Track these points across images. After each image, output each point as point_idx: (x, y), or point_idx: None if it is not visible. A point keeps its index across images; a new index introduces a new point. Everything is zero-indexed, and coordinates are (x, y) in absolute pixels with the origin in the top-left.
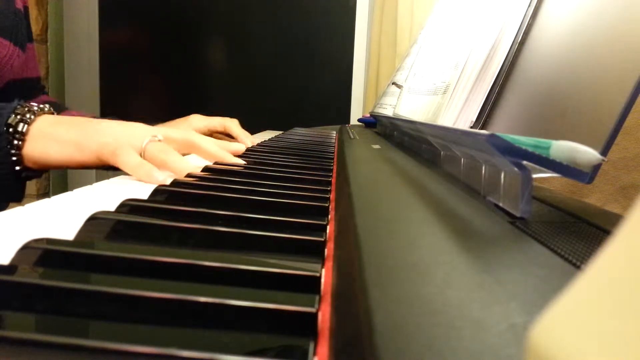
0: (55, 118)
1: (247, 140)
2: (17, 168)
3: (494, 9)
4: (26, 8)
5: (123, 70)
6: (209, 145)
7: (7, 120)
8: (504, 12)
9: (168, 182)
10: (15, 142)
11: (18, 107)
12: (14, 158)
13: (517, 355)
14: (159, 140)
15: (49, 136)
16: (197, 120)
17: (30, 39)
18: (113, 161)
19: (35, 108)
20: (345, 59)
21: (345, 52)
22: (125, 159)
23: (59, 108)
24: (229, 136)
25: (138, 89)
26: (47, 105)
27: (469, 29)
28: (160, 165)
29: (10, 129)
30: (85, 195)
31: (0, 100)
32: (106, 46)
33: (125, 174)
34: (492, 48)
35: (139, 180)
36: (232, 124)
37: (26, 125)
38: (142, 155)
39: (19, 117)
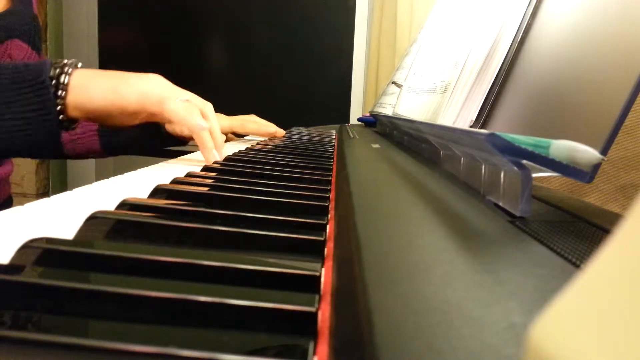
0: (93, 70)
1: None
2: (61, 117)
3: (494, 8)
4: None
5: (123, 69)
6: (217, 125)
7: (50, 73)
8: (503, 12)
9: (205, 126)
10: (59, 92)
11: (55, 61)
12: (59, 107)
13: (517, 355)
14: (187, 100)
15: (90, 85)
16: (222, 120)
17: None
18: (159, 109)
19: (71, 61)
20: (345, 58)
21: (345, 52)
22: (173, 106)
23: None
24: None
25: None
26: (78, 61)
27: (469, 28)
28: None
29: (53, 81)
30: (85, 195)
31: None
32: (105, 46)
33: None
34: (491, 47)
35: (187, 126)
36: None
37: (67, 77)
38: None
39: (58, 69)
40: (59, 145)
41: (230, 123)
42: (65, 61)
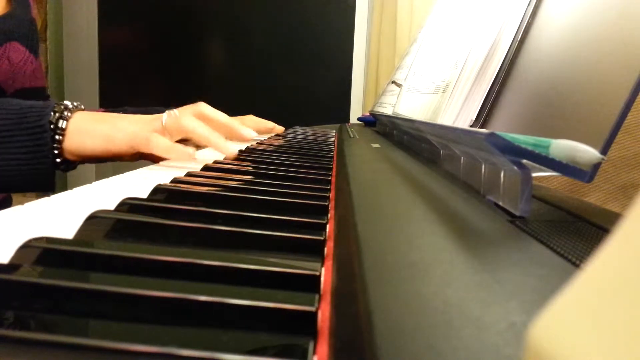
0: (88, 114)
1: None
2: (58, 160)
3: (494, 7)
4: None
5: (122, 69)
6: (204, 130)
7: (50, 118)
8: (503, 11)
9: (193, 154)
10: (57, 137)
11: (56, 105)
12: (56, 151)
13: (517, 355)
14: (170, 115)
15: (84, 131)
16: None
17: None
18: (146, 148)
19: (70, 106)
20: (344, 58)
21: (345, 51)
22: (156, 143)
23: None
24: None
25: (137, 89)
26: (80, 104)
27: (469, 28)
28: (180, 132)
29: (52, 126)
30: (85, 194)
31: None
32: (105, 45)
33: (150, 163)
34: (491, 47)
35: (175, 161)
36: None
37: (65, 122)
38: (163, 132)
39: (57, 114)
40: (54, 183)
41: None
42: (68, 104)
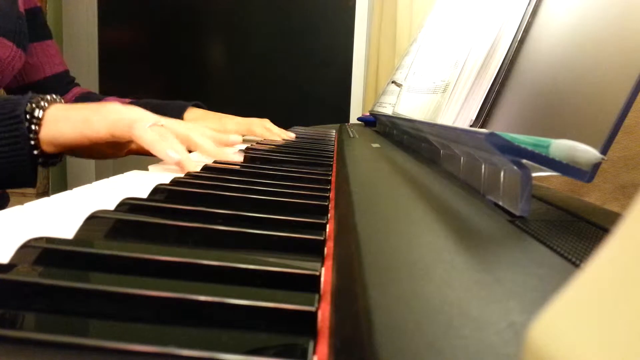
0: (68, 104)
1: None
2: (35, 152)
3: (494, 7)
4: (39, 8)
5: (122, 69)
6: (207, 144)
7: (26, 108)
8: (503, 11)
9: (176, 159)
10: (33, 127)
11: (33, 96)
12: (32, 142)
13: (516, 354)
14: (162, 126)
15: (62, 118)
16: (232, 125)
17: (49, 35)
18: (128, 134)
19: (48, 97)
20: (344, 57)
21: (345, 51)
22: (141, 132)
23: (95, 97)
24: None
25: (137, 88)
26: (58, 97)
27: (469, 28)
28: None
29: (28, 116)
30: (85, 194)
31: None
32: (105, 45)
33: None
34: (491, 46)
35: (158, 155)
36: (256, 128)
37: (41, 111)
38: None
39: (34, 104)
40: (35, 178)
41: (237, 128)
42: (47, 96)
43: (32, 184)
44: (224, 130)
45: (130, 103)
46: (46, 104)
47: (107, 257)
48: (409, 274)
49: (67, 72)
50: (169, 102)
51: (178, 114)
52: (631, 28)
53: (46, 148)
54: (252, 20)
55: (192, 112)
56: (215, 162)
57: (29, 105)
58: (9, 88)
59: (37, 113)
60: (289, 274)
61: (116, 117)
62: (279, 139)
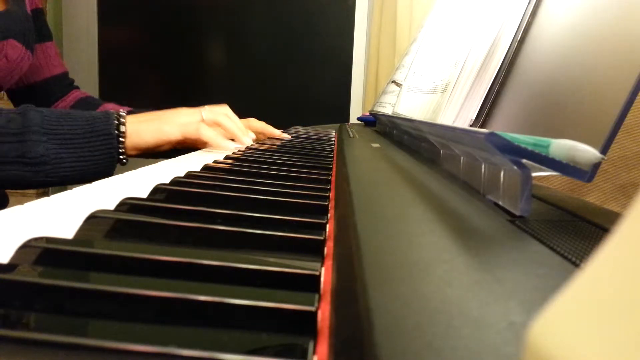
0: (137, 116)
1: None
2: (121, 157)
3: (494, 7)
4: (40, 10)
5: (122, 69)
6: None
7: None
8: (503, 11)
9: (233, 149)
10: (120, 139)
11: (114, 113)
12: (121, 150)
13: (516, 354)
14: (209, 110)
15: (140, 130)
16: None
17: (49, 37)
18: (196, 135)
19: (122, 112)
20: (344, 57)
21: (345, 51)
22: (206, 132)
23: (95, 102)
24: None
25: (137, 89)
26: (124, 111)
27: (469, 27)
28: (214, 124)
29: (116, 131)
30: (85, 194)
31: (32, 99)
32: (105, 45)
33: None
34: (491, 46)
35: (217, 147)
36: (253, 122)
37: (124, 126)
38: (202, 122)
39: (116, 121)
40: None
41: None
42: (120, 112)
43: (110, 175)
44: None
45: (129, 113)
46: (124, 120)
47: (107, 257)
48: (409, 274)
49: (66, 73)
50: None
51: None
52: (631, 28)
53: (130, 152)
54: (252, 20)
55: None
56: (215, 161)
57: (115, 122)
58: (10, 90)
59: (122, 128)
60: (289, 274)
61: (183, 122)
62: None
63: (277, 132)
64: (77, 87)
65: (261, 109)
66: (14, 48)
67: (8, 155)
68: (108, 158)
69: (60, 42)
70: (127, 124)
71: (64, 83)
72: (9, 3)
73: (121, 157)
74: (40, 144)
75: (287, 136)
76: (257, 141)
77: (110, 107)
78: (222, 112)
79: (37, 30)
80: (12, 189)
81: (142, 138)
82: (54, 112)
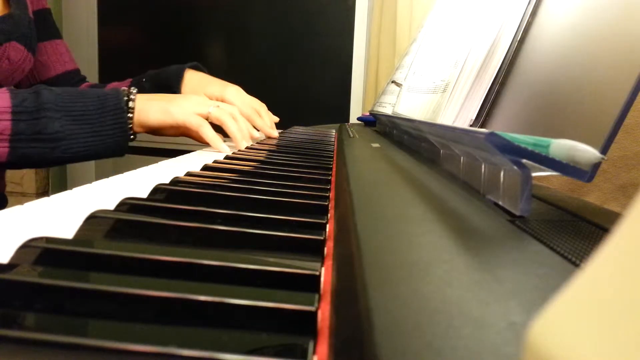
0: (147, 95)
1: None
2: (130, 133)
3: (494, 7)
4: (48, 10)
5: (122, 69)
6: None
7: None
8: (503, 11)
9: (230, 152)
10: (129, 114)
11: (124, 90)
12: (130, 125)
13: (516, 354)
14: (217, 107)
15: (148, 107)
16: (234, 96)
17: (58, 35)
18: (196, 131)
19: (132, 89)
20: (344, 57)
21: (345, 51)
22: (206, 131)
23: (101, 87)
24: None
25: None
26: (134, 88)
27: (469, 27)
28: (221, 123)
29: (125, 106)
30: (85, 194)
31: None
32: (105, 46)
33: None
34: (491, 46)
35: (216, 149)
36: (265, 111)
37: (133, 102)
38: (208, 117)
39: (126, 97)
40: (126, 151)
41: (235, 100)
42: (131, 89)
43: (123, 155)
44: (223, 98)
45: (131, 83)
46: (133, 96)
47: (107, 257)
48: (409, 274)
49: (77, 70)
50: (166, 70)
51: (176, 82)
52: (631, 28)
53: (136, 129)
54: (252, 20)
55: (190, 77)
56: (215, 161)
57: (125, 98)
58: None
59: (131, 104)
60: (289, 274)
61: (191, 111)
62: (265, 128)
63: (267, 129)
64: (87, 81)
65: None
66: (16, 50)
67: (25, 133)
68: (119, 132)
69: None
70: (136, 101)
71: (76, 79)
72: (12, 6)
73: (130, 132)
74: (55, 120)
75: (275, 134)
76: (257, 141)
77: (111, 86)
78: (227, 113)
79: (45, 28)
80: (31, 166)
81: (148, 116)
82: (66, 91)
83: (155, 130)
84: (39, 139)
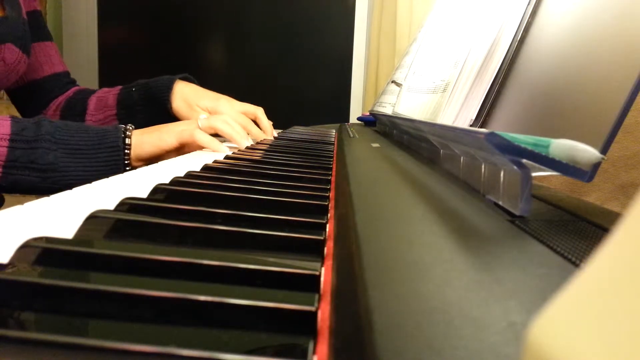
0: (141, 130)
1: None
2: (127, 168)
3: (494, 7)
4: (39, 12)
5: (122, 68)
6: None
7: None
8: (503, 10)
9: (228, 152)
10: (126, 151)
11: (120, 128)
12: (126, 162)
13: (516, 354)
14: (206, 118)
15: (142, 141)
16: (227, 108)
17: (49, 37)
18: (191, 139)
19: (128, 126)
20: (344, 57)
21: (345, 51)
22: (200, 136)
23: (87, 92)
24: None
25: None
26: (131, 126)
27: (469, 27)
28: (211, 130)
29: (121, 144)
30: (85, 194)
31: (31, 96)
32: (105, 45)
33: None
34: (491, 46)
35: (213, 151)
36: (261, 115)
37: (129, 139)
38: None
39: (123, 135)
40: None
41: (229, 112)
42: (127, 127)
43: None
44: (215, 110)
45: (120, 91)
46: (129, 133)
47: (107, 257)
48: (408, 274)
49: (66, 72)
50: (156, 81)
51: (166, 93)
52: (631, 28)
53: (134, 164)
54: (252, 20)
55: (181, 89)
56: (215, 161)
57: (122, 136)
58: (9, 89)
59: (128, 141)
60: (289, 274)
61: (179, 129)
62: (265, 136)
63: (268, 131)
64: (78, 86)
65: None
66: (12, 52)
67: (20, 160)
68: (114, 169)
69: (60, 42)
70: (132, 137)
71: (64, 81)
72: (6, 9)
73: (127, 168)
74: (50, 152)
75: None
76: (257, 141)
77: (102, 91)
78: (219, 119)
79: (35, 29)
80: (20, 193)
81: (143, 149)
82: (67, 125)
83: (152, 160)
84: (32, 167)
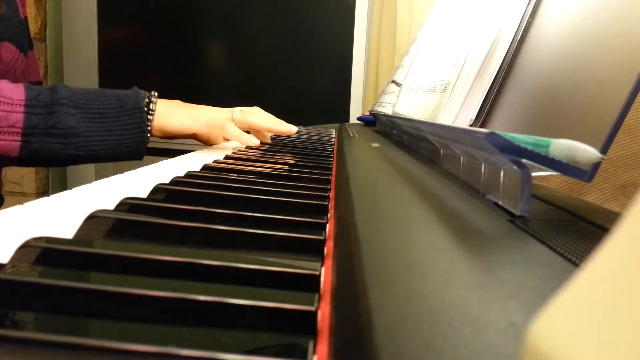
0: (170, 101)
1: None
2: (149, 135)
3: (494, 7)
4: (26, 18)
5: (122, 69)
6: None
7: (143, 102)
8: (503, 10)
9: (257, 143)
10: (149, 116)
11: (144, 92)
12: (149, 127)
13: (516, 354)
14: (241, 111)
15: (171, 112)
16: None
17: (30, 46)
18: (222, 131)
19: (153, 92)
20: (344, 57)
21: (345, 51)
22: (231, 129)
23: None
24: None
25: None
26: (155, 93)
27: (469, 27)
28: (245, 126)
29: (145, 107)
30: (85, 194)
31: None
32: (105, 45)
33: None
34: (491, 46)
35: (246, 144)
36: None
37: (154, 105)
38: (232, 121)
39: (147, 99)
40: (144, 155)
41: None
42: (152, 92)
43: (141, 159)
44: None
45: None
46: (155, 99)
47: (107, 257)
48: (408, 273)
49: (41, 82)
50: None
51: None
52: (631, 28)
53: (155, 133)
54: (252, 20)
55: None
56: (215, 161)
57: (145, 99)
58: None
59: (152, 106)
60: (289, 274)
61: (213, 116)
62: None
63: (287, 128)
64: None
65: (261, 108)
66: (8, 50)
67: (38, 127)
68: (138, 132)
69: (61, 42)
70: (158, 103)
71: None
72: (3, 7)
73: (148, 135)
74: (69, 116)
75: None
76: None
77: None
78: (251, 112)
79: None
80: (45, 164)
81: (171, 120)
82: (84, 89)
83: (174, 135)
84: (52, 133)
